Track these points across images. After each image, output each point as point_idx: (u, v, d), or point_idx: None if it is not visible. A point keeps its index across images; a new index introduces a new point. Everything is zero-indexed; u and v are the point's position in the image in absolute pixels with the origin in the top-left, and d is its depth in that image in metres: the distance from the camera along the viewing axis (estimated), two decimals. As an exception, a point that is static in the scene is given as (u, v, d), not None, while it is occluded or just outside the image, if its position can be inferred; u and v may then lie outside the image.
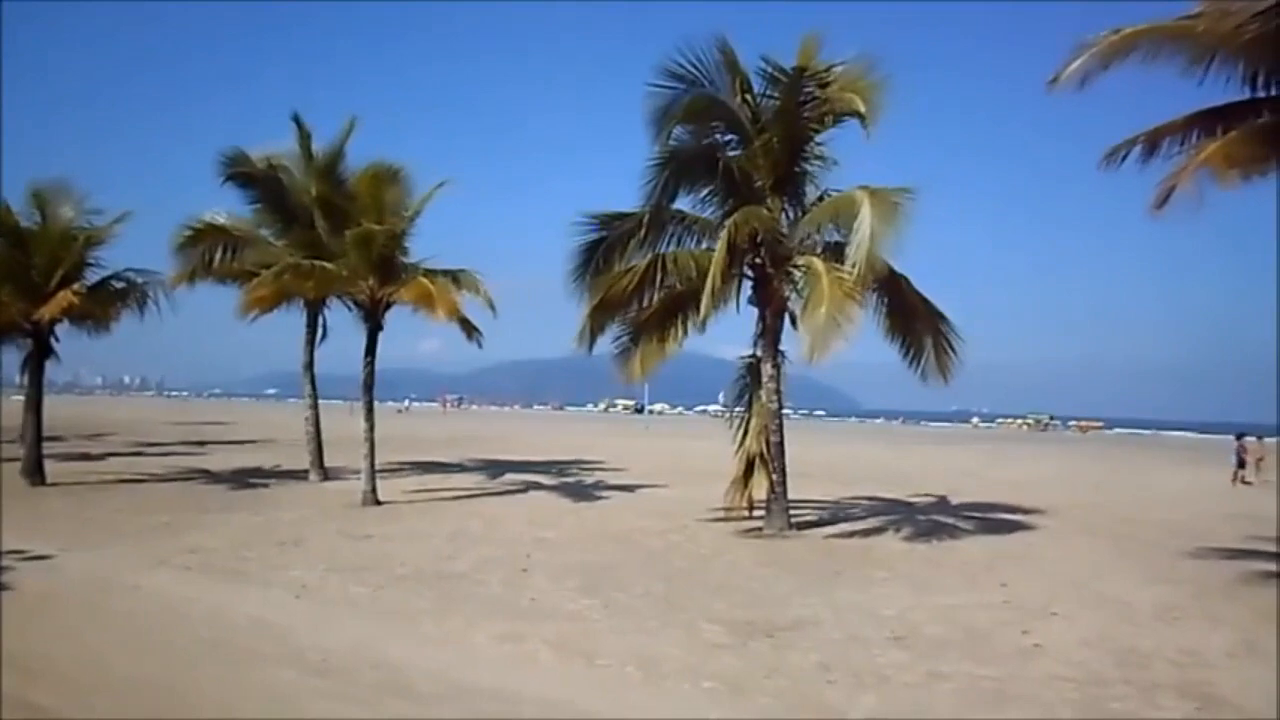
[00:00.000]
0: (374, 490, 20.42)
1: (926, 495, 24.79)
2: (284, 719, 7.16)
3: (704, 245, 17.78)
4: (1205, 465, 40.52)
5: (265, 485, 24.22)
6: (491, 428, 69.63)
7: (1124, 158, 13.44)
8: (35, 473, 23.25)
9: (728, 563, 14.28)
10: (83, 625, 9.85)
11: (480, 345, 22.55)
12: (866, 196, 15.03)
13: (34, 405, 23.78)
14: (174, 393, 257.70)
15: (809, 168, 17.50)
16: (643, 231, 17.50)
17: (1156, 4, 12.76)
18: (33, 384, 23.86)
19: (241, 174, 22.95)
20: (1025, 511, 21.21)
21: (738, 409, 18.05)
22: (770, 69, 16.55)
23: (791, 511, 17.55)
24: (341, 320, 24.49)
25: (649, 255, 17.68)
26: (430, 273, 20.75)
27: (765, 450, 16.97)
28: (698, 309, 16.53)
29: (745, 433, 17.42)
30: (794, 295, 17.06)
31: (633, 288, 17.58)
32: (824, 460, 37.06)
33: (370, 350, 21.03)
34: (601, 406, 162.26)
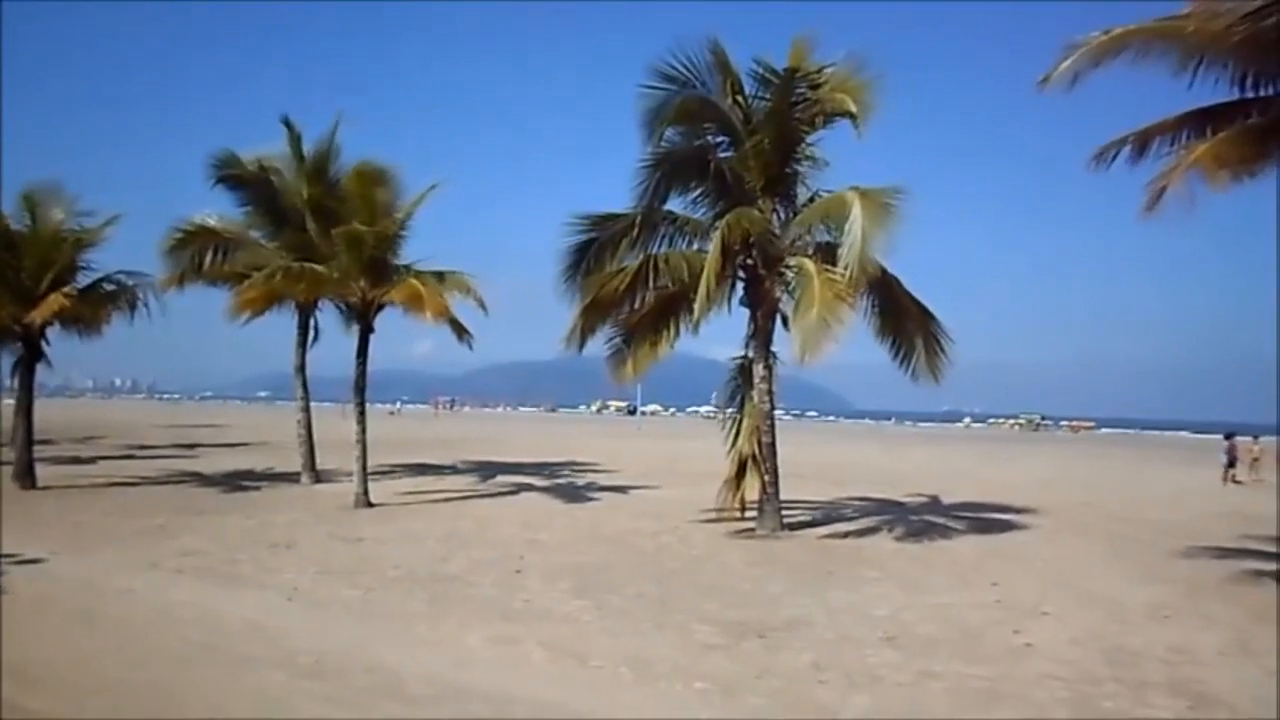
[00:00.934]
0: (366, 492, 20.39)
1: (918, 495, 24.83)
2: (276, 722, 7.16)
3: (696, 246, 17.81)
4: (1197, 465, 40.63)
5: (257, 488, 24.17)
6: (484, 429, 69.56)
7: (1113, 158, 13.48)
8: (26, 476, 23.15)
9: (720, 564, 14.29)
10: (75, 629, 9.82)
11: (471, 347, 22.55)
12: (857, 197, 15.05)
13: (25, 409, 23.68)
14: (166, 395, 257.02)
15: (800, 169, 17.55)
16: (634, 232, 17.52)
17: (1152, 4, 12.74)
18: (23, 387, 23.76)
19: (232, 176, 22.97)
20: (1017, 511, 21.27)
21: (730, 410, 18.08)
22: (762, 70, 16.60)
23: (784, 512, 17.57)
24: (333, 322, 24.58)
25: (640, 256, 17.68)
26: (421, 274, 20.72)
27: (757, 451, 17.00)
28: (690, 310, 16.58)
29: (737, 434, 17.45)
30: (786, 296, 17.10)
31: (624, 289, 17.57)
32: (816, 461, 37.09)
33: (361, 352, 21.01)
34: (594, 408, 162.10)
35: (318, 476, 25.22)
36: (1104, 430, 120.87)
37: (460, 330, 22.15)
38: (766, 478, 17.09)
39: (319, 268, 20.12)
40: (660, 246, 17.98)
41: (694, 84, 16.35)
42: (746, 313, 17.45)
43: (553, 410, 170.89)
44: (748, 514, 17.43)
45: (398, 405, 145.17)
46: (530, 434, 63.74)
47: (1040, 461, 46.85)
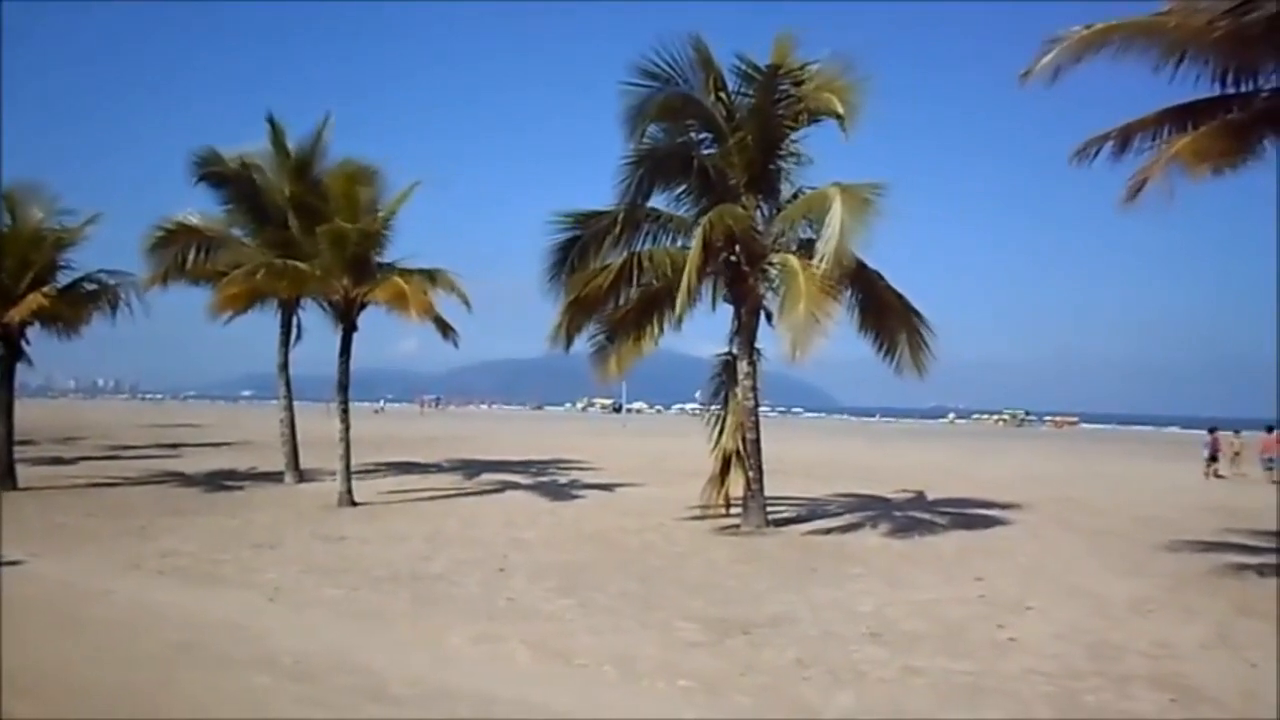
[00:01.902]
0: (350, 491, 20.31)
1: (903, 491, 24.88)
2: (257, 723, 7.11)
3: (679, 243, 17.79)
4: (1180, 459, 40.85)
5: (240, 488, 24.04)
6: (469, 428, 69.40)
7: (1095, 154, 13.52)
8: (6, 477, 22.94)
9: (704, 561, 14.28)
10: (55, 631, 9.72)
11: (456, 345, 22.50)
12: (838, 192, 15.07)
13: (5, 408, 23.47)
14: (148, 395, 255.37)
15: (783, 165, 17.56)
16: (618, 230, 17.47)
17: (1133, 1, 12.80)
18: (3, 387, 23.56)
19: (214, 174, 22.81)
20: (1001, 506, 21.32)
21: (714, 407, 18.08)
22: (745, 67, 16.58)
23: (768, 509, 17.58)
24: (317, 321, 24.42)
25: (624, 254, 17.67)
26: (405, 272, 20.65)
27: (742, 448, 17.00)
28: (674, 307, 16.55)
29: (722, 430, 17.46)
30: (769, 293, 17.10)
31: (608, 286, 17.55)
32: (801, 457, 37.13)
33: (345, 351, 20.92)
34: (580, 406, 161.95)
35: (301, 476, 25.11)
36: (1087, 425, 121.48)
37: (445, 328, 22.08)
38: (751, 474, 17.10)
39: (301, 265, 20.01)
40: (644, 244, 17.96)
41: (676, 81, 16.33)
42: (730, 309, 17.45)
43: (538, 408, 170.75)
44: (732, 511, 17.43)
45: (381, 404, 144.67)
46: (515, 432, 63.63)
47: (1024, 457, 47.03)
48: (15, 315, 21.87)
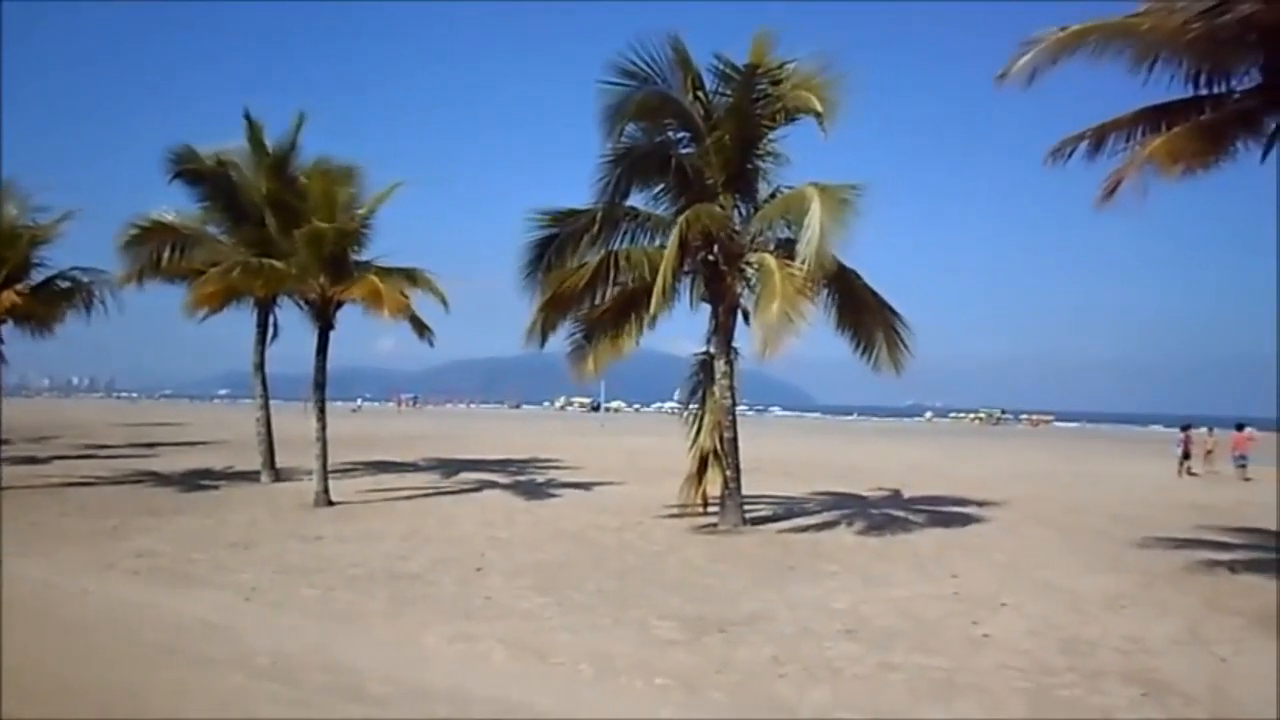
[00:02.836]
0: (326, 490, 20.21)
1: (880, 489, 25.00)
2: (232, 723, 7.07)
3: (657, 242, 17.77)
4: (1155, 457, 41.19)
5: (215, 487, 23.89)
6: (446, 426, 69.19)
7: (1070, 154, 13.60)
8: (-22, 477, 22.74)
9: (681, 559, 14.30)
10: (29, 631, 9.63)
11: (431, 344, 22.44)
12: (816, 193, 15.10)
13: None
14: (124, 394, 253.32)
15: (761, 165, 17.57)
16: (595, 228, 17.46)
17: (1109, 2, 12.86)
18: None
19: (190, 171, 22.61)
20: (976, 504, 21.47)
21: (692, 406, 18.11)
22: (722, 66, 16.60)
23: (745, 507, 17.62)
24: (293, 319, 24.25)
25: (601, 252, 17.66)
26: (383, 271, 20.57)
27: (719, 446, 17.02)
28: (650, 306, 16.55)
29: (699, 429, 17.47)
30: (746, 292, 17.13)
31: (585, 284, 17.53)
32: (778, 456, 37.23)
33: (321, 349, 20.81)
34: (558, 404, 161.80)
35: (277, 475, 24.97)
36: (1062, 424, 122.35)
37: (421, 328, 22.03)
38: (728, 473, 17.13)
39: (278, 264, 19.88)
40: (621, 242, 17.96)
41: (654, 80, 16.31)
42: (708, 308, 17.48)
43: (516, 407, 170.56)
44: (709, 509, 17.46)
45: (358, 402, 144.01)
46: (493, 431, 63.47)
47: (1000, 455, 47.34)
48: (-12, 313, 21.67)
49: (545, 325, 18.07)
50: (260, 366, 25.58)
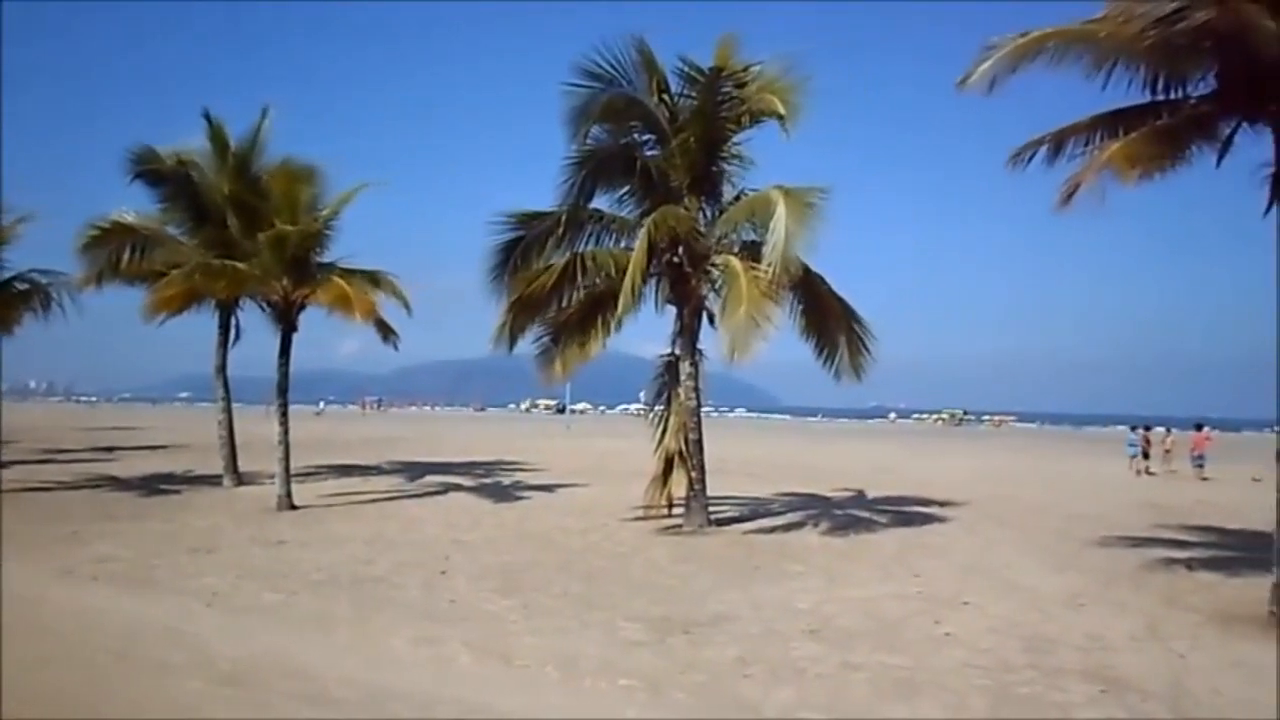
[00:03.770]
0: (289, 494, 20.02)
1: (844, 490, 25.15)
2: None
3: (622, 244, 17.82)
4: (1114, 457, 41.62)
5: (176, 491, 23.59)
6: (412, 429, 68.75)
7: (1030, 158, 13.74)
8: (-68, 482, 22.33)
9: (647, 560, 14.32)
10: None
11: (396, 348, 22.34)
12: (781, 196, 15.19)
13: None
14: (83, 397, 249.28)
15: (726, 167, 17.66)
16: (561, 230, 17.47)
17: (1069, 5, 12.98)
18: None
19: (150, 171, 22.34)
20: (939, 504, 21.67)
21: (658, 408, 18.13)
22: (687, 69, 16.65)
23: (710, 508, 17.67)
24: (256, 322, 24.00)
25: (567, 255, 17.66)
26: (347, 273, 20.43)
27: (684, 448, 17.05)
28: (617, 308, 16.55)
29: (664, 431, 17.49)
30: (711, 294, 17.19)
31: (551, 286, 17.52)
32: (743, 457, 37.34)
33: (284, 352, 20.60)
34: (524, 407, 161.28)
35: (240, 479, 24.71)
36: (1024, 424, 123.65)
37: (386, 330, 21.90)
38: (693, 474, 17.16)
39: (240, 265, 19.68)
40: (587, 245, 17.98)
41: (620, 82, 16.34)
42: (673, 310, 17.51)
43: (482, 409, 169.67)
44: (675, 511, 17.48)
45: (322, 405, 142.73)
46: (459, 434, 63.17)
47: (962, 455, 47.74)
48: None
49: (513, 328, 18.05)
50: (222, 369, 25.31)
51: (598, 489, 24.65)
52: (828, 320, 18.01)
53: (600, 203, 17.96)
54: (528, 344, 18.56)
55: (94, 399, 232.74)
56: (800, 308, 17.98)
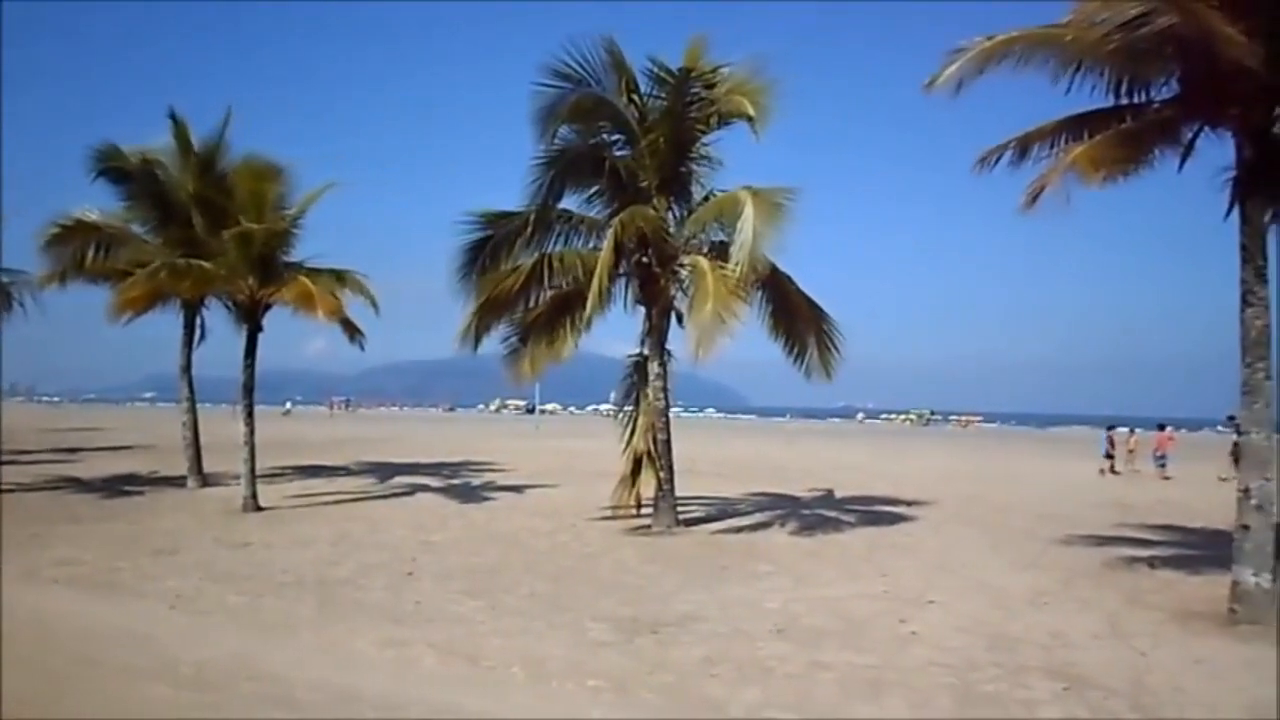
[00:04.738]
0: (254, 495, 19.84)
1: (812, 490, 25.25)
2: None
3: (590, 245, 17.81)
4: (1077, 457, 42.13)
5: (140, 493, 23.31)
6: (379, 430, 68.35)
7: (996, 162, 13.84)
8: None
9: (614, 561, 14.32)
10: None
11: (363, 347, 22.20)
12: (749, 196, 15.24)
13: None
14: (46, 398, 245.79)
15: (695, 168, 17.70)
16: (529, 231, 17.41)
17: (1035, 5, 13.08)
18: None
19: (114, 169, 22.10)
20: (906, 503, 21.81)
21: (627, 408, 18.15)
22: (656, 69, 16.66)
23: (679, 509, 17.70)
24: (222, 321, 23.77)
25: (535, 255, 17.62)
26: (313, 272, 20.25)
27: (653, 448, 17.08)
28: (585, 309, 16.54)
29: (633, 431, 17.51)
30: (680, 294, 17.22)
31: (519, 287, 17.50)
32: (712, 457, 37.37)
33: (250, 352, 20.41)
34: (493, 407, 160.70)
35: (204, 480, 24.47)
36: (990, 424, 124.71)
37: (352, 330, 21.74)
38: (662, 474, 17.19)
39: (205, 264, 19.47)
40: (555, 245, 17.95)
41: (589, 82, 16.32)
42: (642, 311, 17.52)
43: (450, 410, 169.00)
44: (643, 511, 17.49)
45: (288, 405, 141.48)
46: (427, 434, 62.85)
47: (929, 455, 48.05)
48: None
49: (479, 328, 18.00)
50: (187, 369, 25.06)
51: (566, 489, 24.61)
52: (796, 320, 18.08)
53: (569, 203, 17.98)
54: (495, 344, 18.53)
55: (57, 399, 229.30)
56: (769, 307, 18.05)
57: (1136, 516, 20.07)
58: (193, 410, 25.15)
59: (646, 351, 17.52)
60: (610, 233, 16.02)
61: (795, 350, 18.19)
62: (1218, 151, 11.54)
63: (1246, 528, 10.52)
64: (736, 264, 14.91)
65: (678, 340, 17.33)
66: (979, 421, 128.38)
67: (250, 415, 20.33)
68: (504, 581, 12.57)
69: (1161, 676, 8.39)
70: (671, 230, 17.26)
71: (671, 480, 17.44)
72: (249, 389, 20.46)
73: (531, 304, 18.15)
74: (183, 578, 12.64)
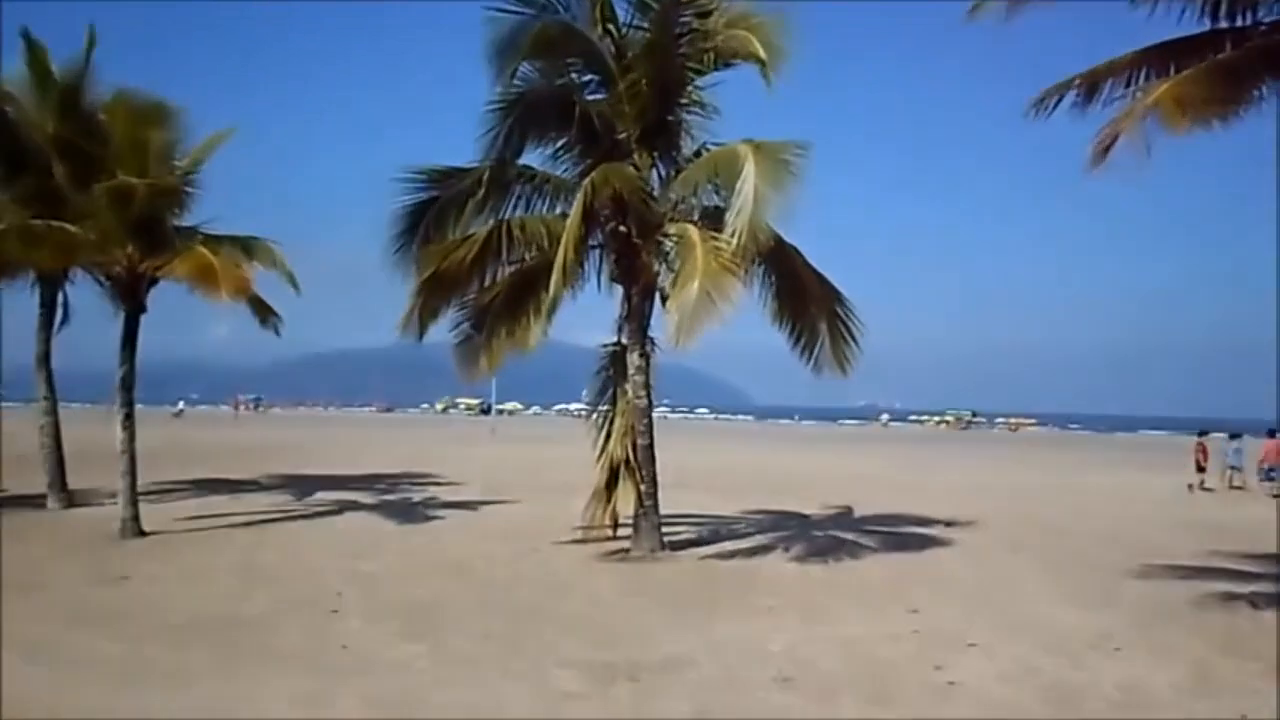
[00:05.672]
0: (136, 518, 19.63)
1: (825, 507, 25.32)
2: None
3: (558, 210, 17.79)
4: (1160, 469, 41.97)
5: (-14, 516, 23.05)
6: (299, 435, 68.19)
7: (1055, 105, 13.64)
8: None
9: (586, 593, 14.34)
10: None
11: (279, 332, 22.04)
12: (750, 151, 15.16)
13: None
14: None
15: (684, 116, 17.61)
16: (483, 192, 17.23)
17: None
18: None
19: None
20: (940, 524, 21.90)
21: (601, 407, 18.12)
22: (638, -8, 16.56)
23: (664, 529, 17.75)
24: (91, 300, 23.33)
25: (490, 222, 17.54)
26: (212, 240, 20.00)
27: (632, 456, 17.08)
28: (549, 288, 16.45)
29: (609, 436, 17.49)
30: (665, 270, 17.16)
31: (471, 261, 17.45)
32: (706, 467, 37.46)
33: (129, 339, 20.10)
34: (440, 407, 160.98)
35: (70, 499, 24.21)
36: (1046, 429, 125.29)
37: (265, 311, 21.60)
38: (643, 487, 17.18)
39: (69, 227, 19.04)
40: (515, 210, 17.93)
41: (555, 8, 16.19)
42: (619, 291, 17.48)
43: (388, 410, 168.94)
44: (621, 532, 17.52)
45: (181, 405, 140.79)
46: (358, 440, 62.79)
47: (970, 465, 48.31)
48: None
49: (424, 311, 17.92)
50: (45, 360, 24.73)
51: (528, 506, 24.65)
52: (805, 302, 18.08)
53: (531, 159, 17.93)
54: (444, 331, 18.45)
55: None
56: (772, 287, 18.03)
57: (1235, 543, 19.93)
58: (53, 411, 24.87)
59: (625, 340, 17.48)
60: (580, 195, 15.92)
61: (803, 339, 18.20)
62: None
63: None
64: (733, 233, 14.80)
65: (663, 326, 17.30)
66: (1032, 425, 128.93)
67: (130, 417, 20.09)
68: (451, 620, 12.55)
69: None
70: (655, 192, 17.23)
71: (655, 494, 17.43)
72: (127, 385, 20.17)
73: (487, 282, 18.11)
74: (43, 622, 12.46)
